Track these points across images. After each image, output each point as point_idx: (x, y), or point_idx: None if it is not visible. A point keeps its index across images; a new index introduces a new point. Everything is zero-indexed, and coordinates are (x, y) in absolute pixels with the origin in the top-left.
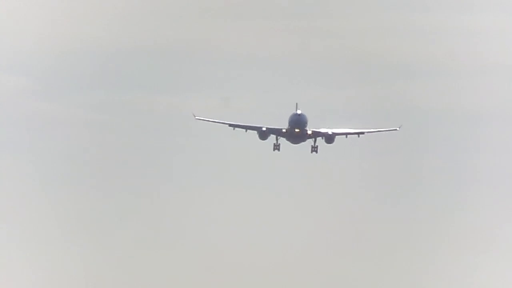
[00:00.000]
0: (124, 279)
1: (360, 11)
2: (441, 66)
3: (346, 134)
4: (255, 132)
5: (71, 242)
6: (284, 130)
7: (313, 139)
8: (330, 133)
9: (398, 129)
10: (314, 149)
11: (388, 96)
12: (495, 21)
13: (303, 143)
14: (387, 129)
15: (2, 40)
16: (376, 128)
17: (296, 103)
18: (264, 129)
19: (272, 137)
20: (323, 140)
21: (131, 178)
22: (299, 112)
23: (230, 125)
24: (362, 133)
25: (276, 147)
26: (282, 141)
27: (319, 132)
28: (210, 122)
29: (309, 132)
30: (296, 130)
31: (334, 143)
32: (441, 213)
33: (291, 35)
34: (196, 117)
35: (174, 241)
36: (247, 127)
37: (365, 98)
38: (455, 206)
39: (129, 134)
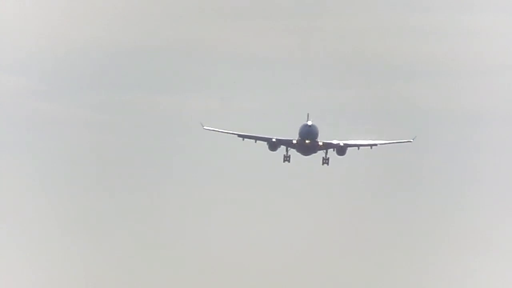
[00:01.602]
0: (124, 279)
1: (360, 11)
2: (442, 66)
3: (358, 145)
4: (265, 143)
5: (70, 242)
6: (294, 141)
7: (324, 150)
8: (341, 144)
9: (412, 140)
10: (325, 161)
11: (388, 97)
12: (495, 21)
13: (314, 154)
14: (400, 141)
15: (2, 40)
16: (389, 140)
17: (308, 113)
18: (274, 140)
19: (282, 148)
20: (335, 152)
21: (131, 179)
22: (309, 123)
23: (239, 135)
24: (375, 144)
25: (286, 158)
26: (293, 152)
27: (331, 143)
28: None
29: (320, 143)
30: (307, 141)
31: (346, 155)
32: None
33: (291, 35)
34: (205, 127)
35: (175, 248)
36: (256, 138)
37: (365, 99)
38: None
39: (129, 134)
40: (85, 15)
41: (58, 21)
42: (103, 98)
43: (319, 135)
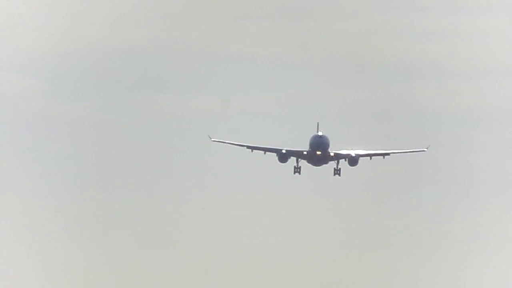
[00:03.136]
0: (125, 280)
1: (361, 11)
2: (443, 67)
3: (371, 155)
4: (275, 154)
5: (71, 243)
6: (305, 152)
7: (336, 161)
8: (353, 155)
9: (426, 150)
10: (337, 171)
11: (389, 97)
12: (497, 21)
13: (325, 165)
14: (414, 150)
15: (4, 40)
16: (402, 149)
17: (318, 123)
18: (284, 151)
19: (292, 160)
20: (346, 162)
21: (132, 179)
22: (320, 133)
23: (248, 147)
24: (387, 154)
25: (297, 170)
26: (303, 163)
27: (342, 154)
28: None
29: (331, 154)
30: (318, 152)
31: (357, 165)
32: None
33: (292, 36)
34: (213, 139)
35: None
36: (266, 149)
37: (365, 99)
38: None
39: (130, 134)
40: (86, 15)
41: (58, 21)
42: (104, 98)
43: (330, 145)
